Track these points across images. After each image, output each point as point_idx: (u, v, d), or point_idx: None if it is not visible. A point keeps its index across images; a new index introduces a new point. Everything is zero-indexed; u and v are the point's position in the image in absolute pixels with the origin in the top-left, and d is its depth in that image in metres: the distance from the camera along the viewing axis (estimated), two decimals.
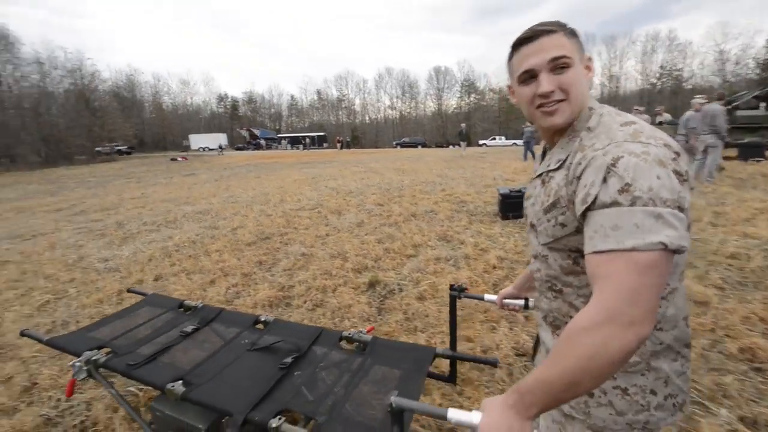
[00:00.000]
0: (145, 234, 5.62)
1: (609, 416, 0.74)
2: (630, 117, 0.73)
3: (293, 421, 1.26)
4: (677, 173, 0.62)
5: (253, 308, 3.08)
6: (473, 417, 0.66)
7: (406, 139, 44.81)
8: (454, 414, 0.69)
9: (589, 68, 0.78)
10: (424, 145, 41.19)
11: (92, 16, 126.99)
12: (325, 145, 48.95)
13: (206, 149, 46.95)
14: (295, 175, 12.29)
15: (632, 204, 0.59)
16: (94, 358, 1.54)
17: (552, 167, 0.78)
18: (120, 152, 37.76)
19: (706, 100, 6.81)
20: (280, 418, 1.20)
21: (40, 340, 1.75)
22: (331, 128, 62.61)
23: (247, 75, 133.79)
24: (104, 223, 6.60)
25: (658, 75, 49.00)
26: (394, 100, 66.31)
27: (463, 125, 19.50)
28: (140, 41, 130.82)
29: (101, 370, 1.56)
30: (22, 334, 1.84)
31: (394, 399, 0.76)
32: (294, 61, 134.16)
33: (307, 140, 48.81)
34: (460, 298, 1.52)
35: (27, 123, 29.59)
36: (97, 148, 33.13)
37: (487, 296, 1.43)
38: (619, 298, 0.57)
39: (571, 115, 0.75)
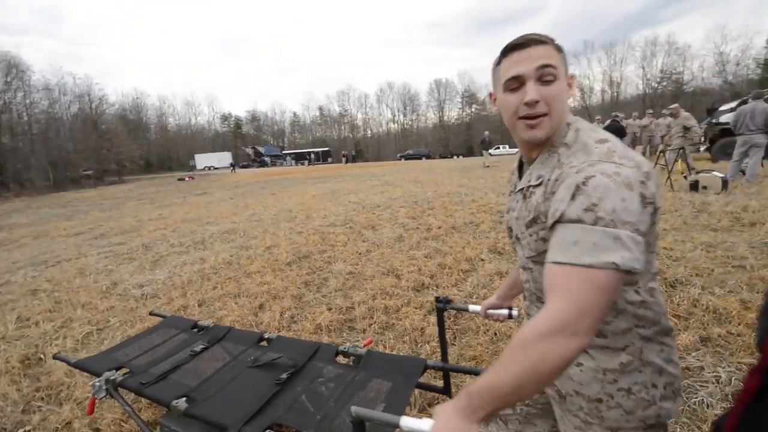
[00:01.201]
0: (176, 256, 5.42)
1: (621, 416, 0.75)
2: (604, 134, 0.74)
3: None
4: (642, 196, 0.64)
5: (316, 334, 2.85)
6: (424, 424, 0.67)
7: (411, 152, 44.87)
8: (407, 422, 0.70)
9: (570, 86, 0.79)
10: (428, 157, 41.23)
11: (101, 44, 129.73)
12: (329, 160, 49.12)
13: (212, 168, 47.21)
14: (312, 191, 12.13)
15: (594, 223, 0.62)
16: (112, 377, 1.59)
17: (533, 183, 0.79)
18: (88, 177, 30.80)
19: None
20: None
21: (68, 363, 1.81)
22: (333, 143, 63.12)
23: (250, 94, 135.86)
24: (129, 246, 6.41)
25: (658, 79, 49.26)
26: (396, 113, 66.95)
27: (486, 133, 17.56)
28: (146, 65, 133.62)
29: (119, 389, 1.61)
30: (55, 358, 1.93)
31: (354, 409, 0.78)
32: (296, 79, 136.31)
33: (312, 156, 49.13)
34: (446, 309, 1.50)
35: (36, 148, 29.90)
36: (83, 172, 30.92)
37: (471, 307, 1.40)
38: (571, 311, 0.59)
39: (551, 130, 0.77)
